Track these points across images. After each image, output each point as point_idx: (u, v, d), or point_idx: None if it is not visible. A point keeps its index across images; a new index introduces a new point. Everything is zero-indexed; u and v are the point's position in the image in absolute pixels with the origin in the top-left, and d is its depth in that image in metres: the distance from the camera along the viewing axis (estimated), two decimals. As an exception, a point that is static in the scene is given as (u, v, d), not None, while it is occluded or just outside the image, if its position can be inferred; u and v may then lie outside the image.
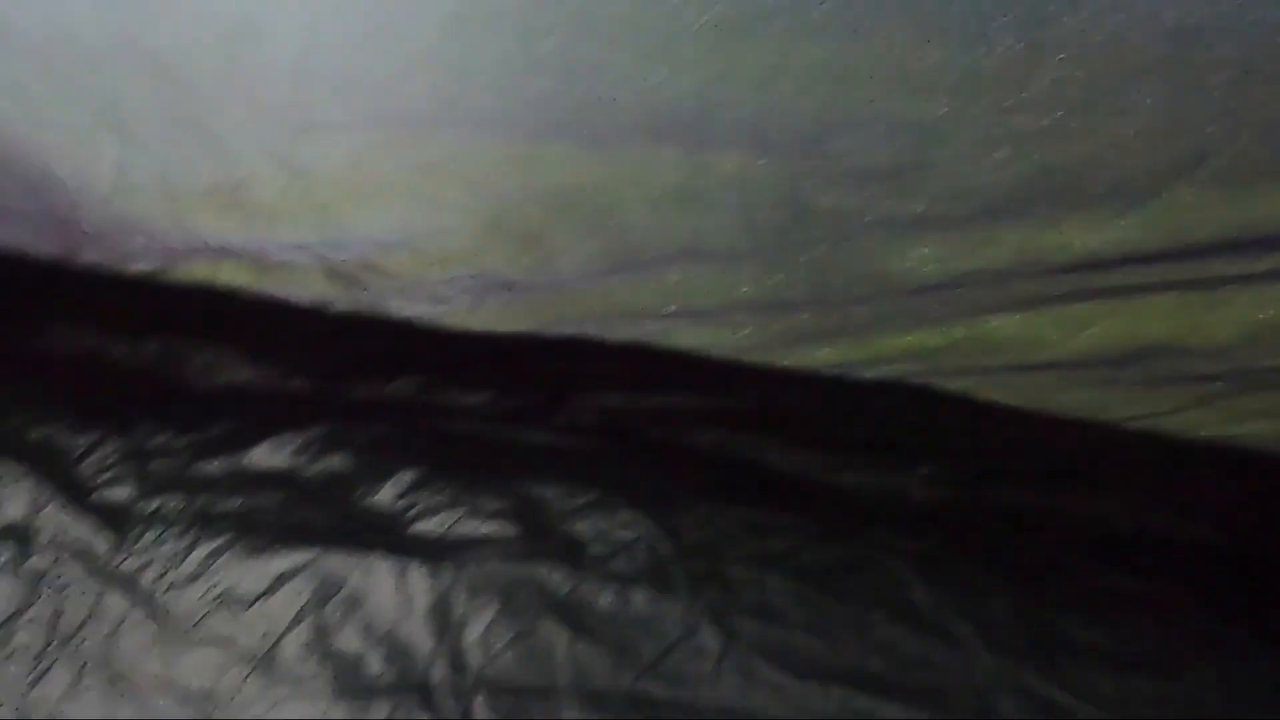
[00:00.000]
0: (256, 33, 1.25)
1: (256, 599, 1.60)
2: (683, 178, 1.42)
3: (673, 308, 1.77)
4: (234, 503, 1.79)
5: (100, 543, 1.67)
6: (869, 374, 1.84)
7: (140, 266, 1.84)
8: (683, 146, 1.37)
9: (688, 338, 1.86)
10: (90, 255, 1.79)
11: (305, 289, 1.82)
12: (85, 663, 1.48)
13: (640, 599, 1.72)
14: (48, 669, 1.47)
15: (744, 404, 2.02)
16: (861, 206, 1.33)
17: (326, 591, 1.61)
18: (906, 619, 1.71)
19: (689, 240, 1.54)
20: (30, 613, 1.55)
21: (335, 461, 1.89)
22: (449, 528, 1.77)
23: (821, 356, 1.76)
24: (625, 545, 1.80)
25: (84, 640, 1.51)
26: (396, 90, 1.33)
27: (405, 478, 1.86)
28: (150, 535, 1.71)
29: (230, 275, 1.81)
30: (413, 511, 1.80)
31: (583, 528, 1.82)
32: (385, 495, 1.83)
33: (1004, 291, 1.36)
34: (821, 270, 1.55)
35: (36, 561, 1.63)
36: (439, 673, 1.53)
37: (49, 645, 1.51)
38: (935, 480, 2.04)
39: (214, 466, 1.87)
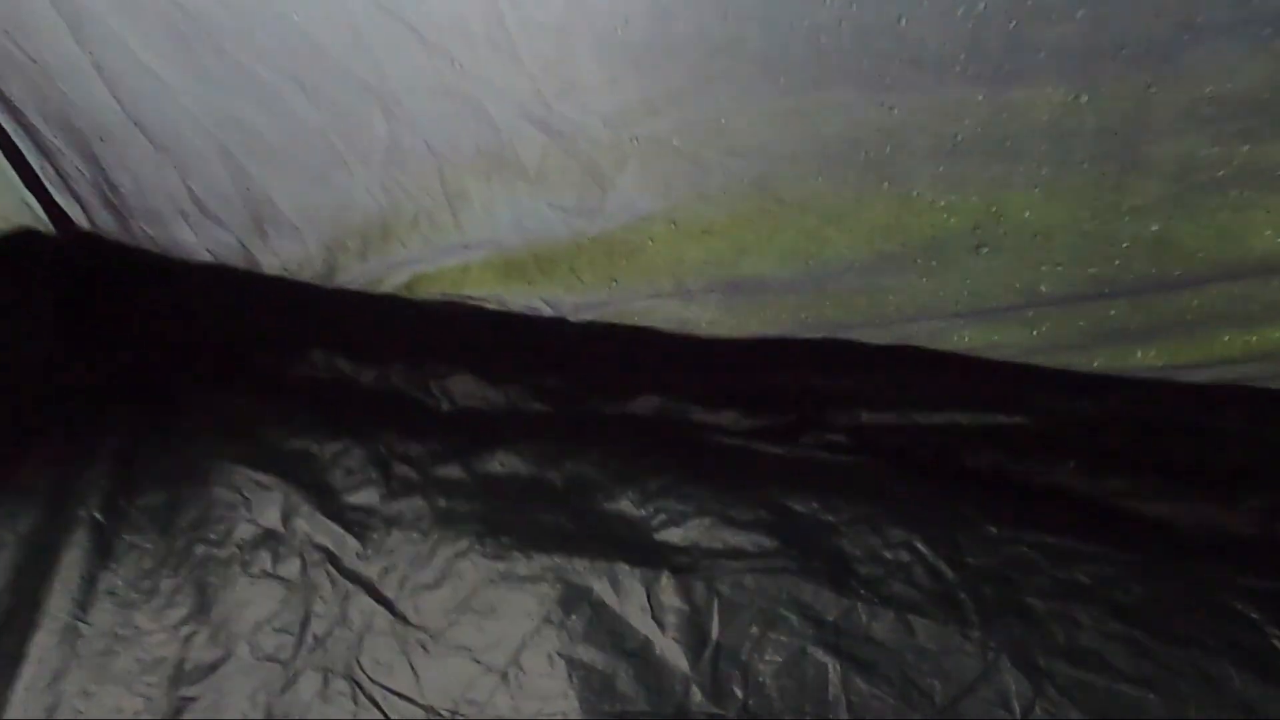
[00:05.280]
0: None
1: (498, 605, 1.49)
2: (982, 121, 1.20)
3: (957, 307, 1.52)
4: (474, 505, 1.71)
5: (347, 546, 1.63)
6: (1198, 377, 1.50)
7: (390, 286, 1.82)
8: (987, 86, 1.16)
9: (965, 338, 1.60)
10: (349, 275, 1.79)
11: (554, 288, 1.72)
12: (331, 669, 1.41)
13: (924, 629, 1.46)
14: (297, 675, 1.42)
15: (1030, 419, 1.71)
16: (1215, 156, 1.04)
17: (571, 599, 1.48)
18: (1271, 673, 1.36)
19: (984, 199, 1.30)
20: (281, 618, 1.51)
21: (576, 467, 1.78)
22: (698, 537, 1.59)
23: (1138, 359, 1.45)
24: (901, 567, 1.55)
25: (331, 646, 1.45)
26: (660, 47, 1.21)
27: (650, 485, 1.71)
28: (394, 538, 1.65)
29: (477, 281, 1.74)
30: (659, 519, 1.65)
31: (848, 545, 1.59)
32: (628, 501, 1.69)
33: None
34: (1150, 246, 1.26)
35: (288, 567, 1.60)
36: (697, 699, 1.34)
37: (298, 651, 1.46)
38: (1274, 514, 1.64)
39: (454, 470, 1.80)
